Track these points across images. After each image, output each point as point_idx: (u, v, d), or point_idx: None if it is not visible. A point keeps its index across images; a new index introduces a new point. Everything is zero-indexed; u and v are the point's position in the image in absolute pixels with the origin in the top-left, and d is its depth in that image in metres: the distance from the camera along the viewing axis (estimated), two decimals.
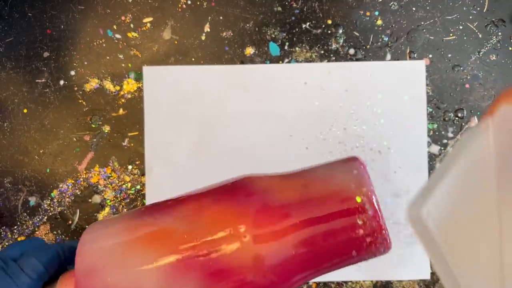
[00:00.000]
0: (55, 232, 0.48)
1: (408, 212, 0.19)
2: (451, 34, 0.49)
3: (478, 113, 0.48)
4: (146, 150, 0.48)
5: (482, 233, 0.19)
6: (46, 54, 0.48)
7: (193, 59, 0.48)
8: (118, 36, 0.49)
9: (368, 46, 0.48)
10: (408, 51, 0.49)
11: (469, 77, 0.49)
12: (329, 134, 0.48)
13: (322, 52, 0.48)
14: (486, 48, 0.49)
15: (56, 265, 0.34)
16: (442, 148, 0.48)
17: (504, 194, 0.18)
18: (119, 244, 0.30)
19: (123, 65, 0.48)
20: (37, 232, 0.48)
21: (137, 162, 0.48)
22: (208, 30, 0.49)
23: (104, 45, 0.49)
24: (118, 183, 0.48)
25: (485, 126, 0.19)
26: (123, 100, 0.48)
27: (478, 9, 0.49)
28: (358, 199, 0.28)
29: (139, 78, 0.48)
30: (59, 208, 0.48)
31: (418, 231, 0.18)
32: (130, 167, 0.48)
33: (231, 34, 0.48)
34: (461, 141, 0.19)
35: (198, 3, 0.49)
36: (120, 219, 0.32)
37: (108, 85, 0.48)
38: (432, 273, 0.48)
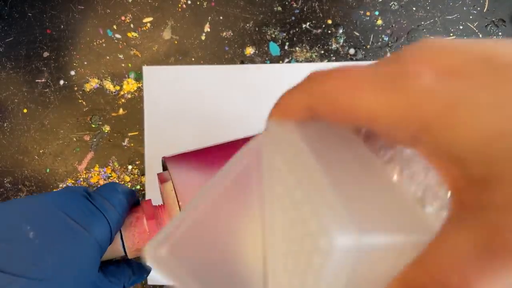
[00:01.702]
0: None
1: (145, 253, 0.17)
2: (451, 34, 0.49)
3: None
4: (146, 150, 0.48)
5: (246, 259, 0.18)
6: (46, 54, 0.48)
7: (193, 59, 0.48)
8: (118, 36, 0.48)
9: (368, 46, 0.48)
10: None
11: None
12: None
13: (322, 52, 0.48)
14: None
15: (130, 207, 0.31)
16: None
17: (264, 214, 0.17)
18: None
19: (123, 65, 0.48)
20: None
21: (137, 162, 0.48)
22: (208, 30, 0.48)
23: (104, 45, 0.48)
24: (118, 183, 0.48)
25: (255, 142, 0.18)
26: (123, 100, 0.48)
27: (479, 9, 0.49)
28: None
29: (139, 78, 0.48)
30: None
31: (157, 268, 0.17)
32: (130, 167, 0.48)
33: (231, 34, 0.48)
34: (229, 161, 0.18)
35: (198, 3, 0.49)
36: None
37: (108, 85, 0.48)
38: None
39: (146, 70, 0.48)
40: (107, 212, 0.28)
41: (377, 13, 0.49)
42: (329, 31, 0.48)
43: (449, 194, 0.14)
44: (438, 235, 0.13)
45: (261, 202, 0.18)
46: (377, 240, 0.14)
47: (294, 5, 0.49)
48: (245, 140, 0.34)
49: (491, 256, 0.12)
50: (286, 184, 0.16)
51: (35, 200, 0.27)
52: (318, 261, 0.14)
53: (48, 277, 0.25)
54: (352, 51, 0.48)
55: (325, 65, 0.48)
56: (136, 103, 0.48)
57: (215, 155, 0.33)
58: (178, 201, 0.30)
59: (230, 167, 0.18)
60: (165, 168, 0.36)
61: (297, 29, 0.48)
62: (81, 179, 0.48)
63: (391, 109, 0.13)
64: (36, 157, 0.48)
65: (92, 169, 0.48)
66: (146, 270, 0.34)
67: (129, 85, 0.48)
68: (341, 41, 0.48)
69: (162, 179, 0.32)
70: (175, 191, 0.30)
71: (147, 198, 0.48)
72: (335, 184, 0.14)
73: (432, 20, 0.49)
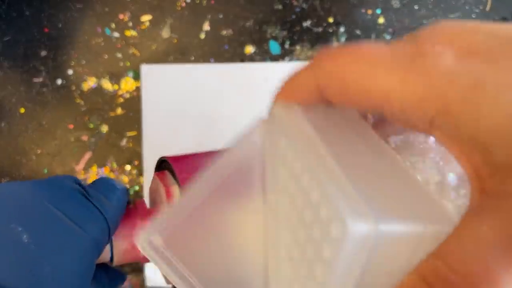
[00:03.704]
0: None
1: (137, 239, 0.17)
2: None
3: None
4: (145, 150, 0.47)
5: (245, 249, 0.17)
6: (43, 53, 0.48)
7: (192, 58, 0.48)
8: (116, 34, 0.48)
9: None
10: None
11: None
12: None
13: None
14: None
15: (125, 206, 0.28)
16: None
17: (267, 202, 0.17)
18: None
19: (121, 64, 0.48)
20: None
21: (135, 163, 0.47)
22: (208, 28, 0.48)
23: (102, 43, 0.48)
24: None
25: (255, 128, 0.17)
26: (121, 100, 0.48)
27: (481, 7, 0.48)
28: None
29: (137, 77, 0.48)
30: None
31: (151, 257, 0.17)
32: (128, 167, 0.47)
33: (231, 32, 0.48)
34: (228, 147, 0.17)
35: (198, 1, 0.48)
36: None
37: (106, 84, 0.48)
38: None
39: (145, 68, 0.48)
40: (104, 210, 0.24)
41: (379, 11, 0.48)
42: (331, 30, 0.48)
43: (469, 182, 0.13)
44: (459, 225, 0.13)
45: (263, 190, 0.17)
46: (394, 229, 0.13)
47: (295, 3, 0.48)
48: None
49: None
50: (292, 169, 0.15)
51: (22, 193, 0.23)
52: (328, 251, 0.13)
53: (47, 286, 0.22)
54: None
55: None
56: (134, 102, 0.48)
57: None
58: None
59: (229, 155, 0.17)
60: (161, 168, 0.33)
61: (297, 28, 0.48)
62: None
63: (408, 90, 0.12)
64: (34, 157, 0.48)
65: (90, 169, 0.47)
66: (123, 278, 0.31)
67: (128, 84, 0.48)
68: (343, 39, 0.48)
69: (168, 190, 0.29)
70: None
71: (145, 198, 0.47)
72: (347, 169, 0.13)
73: (434, 19, 0.48)
